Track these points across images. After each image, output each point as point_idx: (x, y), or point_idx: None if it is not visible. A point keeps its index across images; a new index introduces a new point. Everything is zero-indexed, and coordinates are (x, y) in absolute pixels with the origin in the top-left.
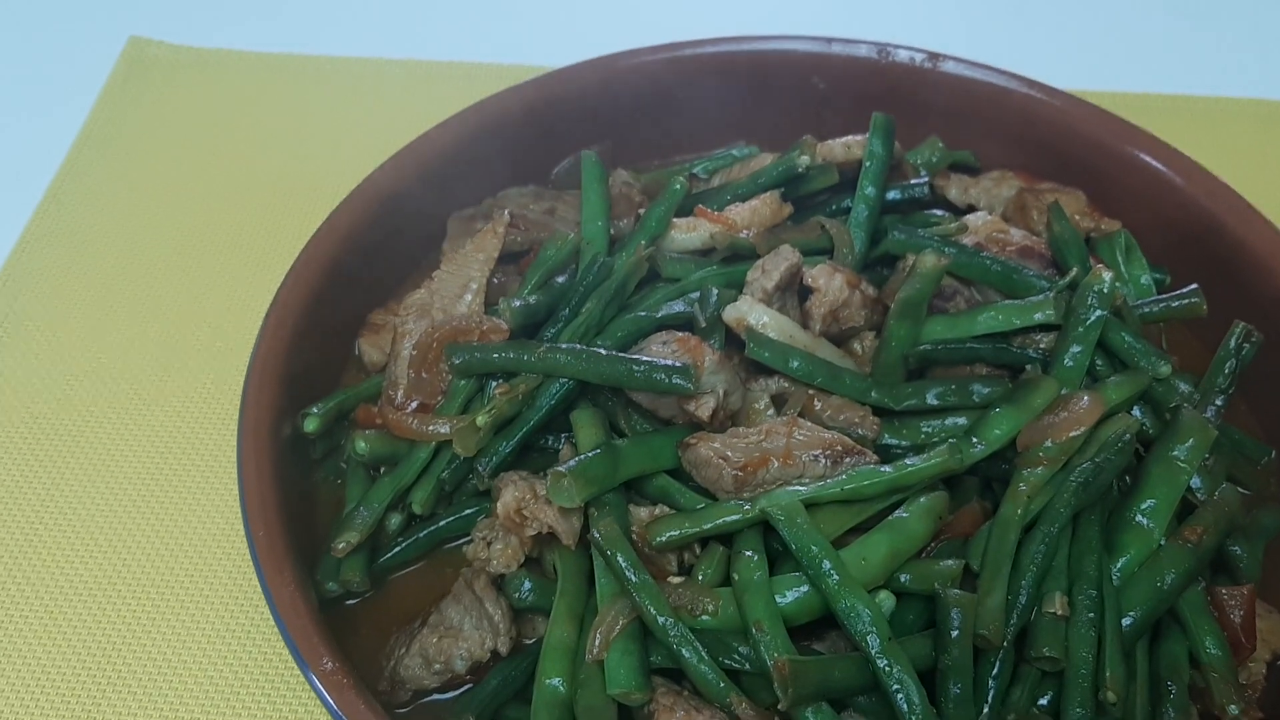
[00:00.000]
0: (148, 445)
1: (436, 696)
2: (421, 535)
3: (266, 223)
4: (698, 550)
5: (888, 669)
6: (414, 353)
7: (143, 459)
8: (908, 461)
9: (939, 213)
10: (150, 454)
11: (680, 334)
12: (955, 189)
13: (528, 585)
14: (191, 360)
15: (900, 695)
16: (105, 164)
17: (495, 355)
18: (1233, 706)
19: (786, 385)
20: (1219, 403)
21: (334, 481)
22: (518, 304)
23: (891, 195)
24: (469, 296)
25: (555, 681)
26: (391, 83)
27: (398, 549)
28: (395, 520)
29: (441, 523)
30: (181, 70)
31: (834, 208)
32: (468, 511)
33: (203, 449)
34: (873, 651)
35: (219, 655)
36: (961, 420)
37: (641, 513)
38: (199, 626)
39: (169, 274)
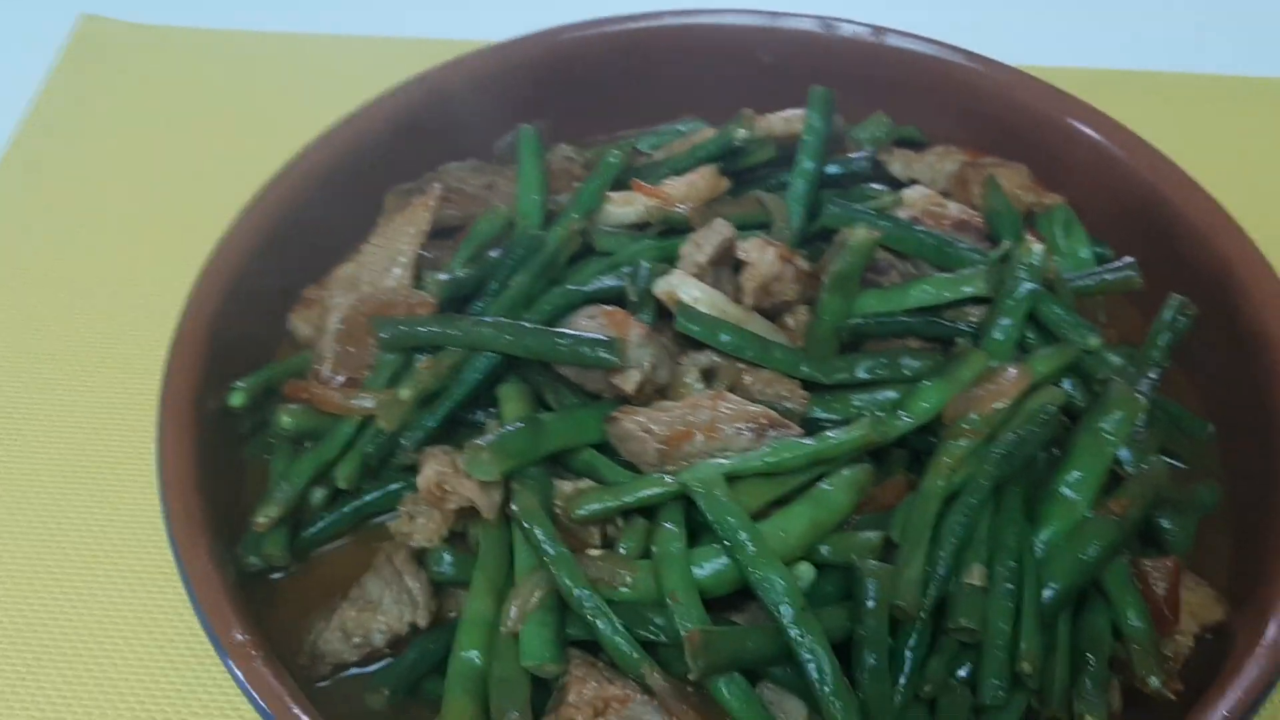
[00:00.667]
0: (84, 423)
1: (356, 670)
2: (346, 510)
3: (216, 201)
4: (621, 524)
5: (800, 639)
6: (341, 327)
7: (78, 436)
8: (830, 434)
9: (878, 187)
10: (86, 431)
11: (607, 308)
12: (899, 164)
13: (448, 559)
14: (130, 339)
15: (812, 665)
16: (53, 144)
17: (421, 329)
18: (1153, 678)
19: (717, 359)
20: (1153, 375)
21: (263, 457)
22: (443, 278)
23: (831, 170)
24: (398, 270)
25: (471, 654)
26: (343, 58)
27: (322, 524)
28: (319, 495)
29: (366, 498)
30: (133, 48)
31: (773, 182)
32: (394, 487)
33: (140, 428)
34: (785, 621)
35: (147, 632)
36: (892, 394)
37: (566, 486)
38: (127, 602)
39: (115, 253)
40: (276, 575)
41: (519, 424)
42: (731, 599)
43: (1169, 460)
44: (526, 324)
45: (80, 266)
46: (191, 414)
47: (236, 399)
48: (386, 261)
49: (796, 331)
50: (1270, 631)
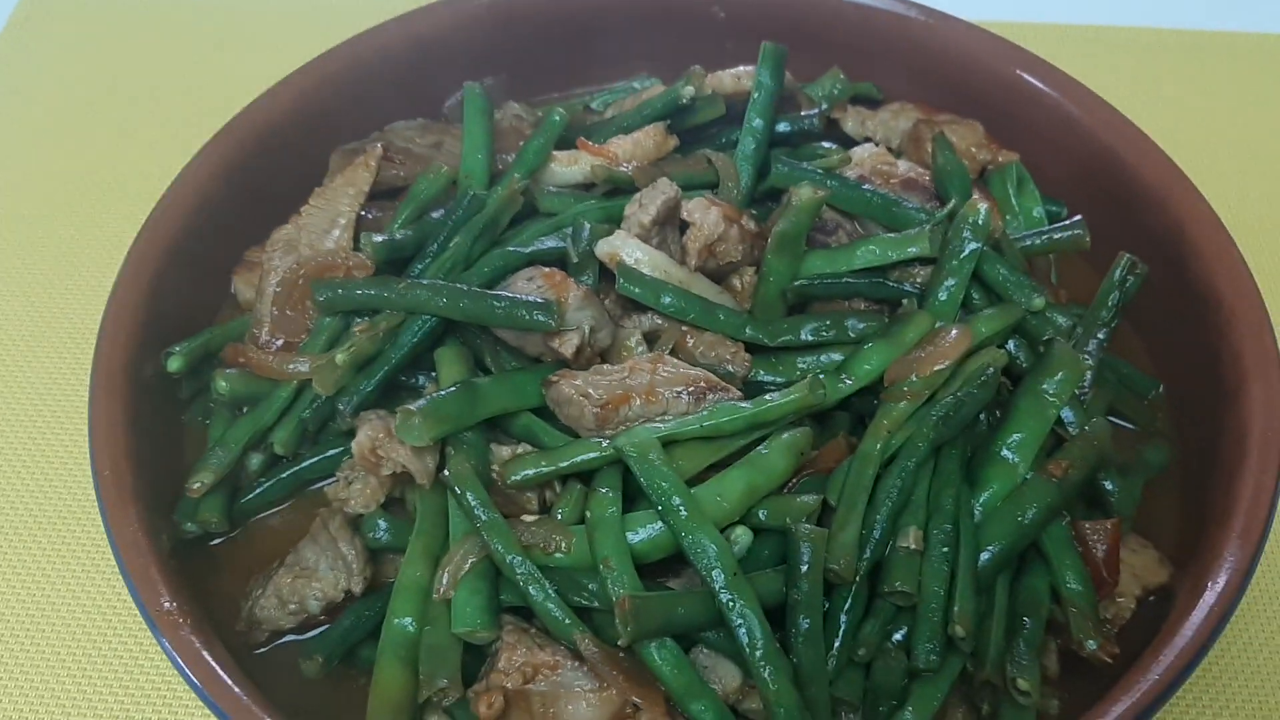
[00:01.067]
0: (26, 389)
1: (294, 637)
2: (284, 476)
3: (163, 165)
4: (559, 489)
5: (731, 603)
6: (279, 290)
7: (20, 402)
8: (768, 398)
9: (828, 145)
10: (30, 395)
11: (546, 269)
12: (852, 121)
13: (383, 525)
14: (73, 305)
15: (743, 629)
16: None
17: (358, 292)
18: (1090, 642)
19: (660, 322)
20: (1101, 336)
21: (202, 422)
22: (380, 239)
23: (781, 127)
24: (337, 232)
25: (405, 621)
26: (294, 15)
27: (260, 490)
28: (256, 461)
29: (304, 463)
30: (82, 8)
31: (723, 141)
32: (332, 452)
33: (81, 393)
34: (717, 586)
35: (91, 603)
36: (837, 356)
37: (504, 451)
38: (71, 570)
39: (62, 216)
40: (216, 542)
41: (453, 388)
42: (669, 564)
43: (1118, 421)
44: (462, 286)
45: (20, 229)
46: (124, 380)
47: (173, 364)
48: (326, 223)
49: (744, 293)
50: (1208, 595)
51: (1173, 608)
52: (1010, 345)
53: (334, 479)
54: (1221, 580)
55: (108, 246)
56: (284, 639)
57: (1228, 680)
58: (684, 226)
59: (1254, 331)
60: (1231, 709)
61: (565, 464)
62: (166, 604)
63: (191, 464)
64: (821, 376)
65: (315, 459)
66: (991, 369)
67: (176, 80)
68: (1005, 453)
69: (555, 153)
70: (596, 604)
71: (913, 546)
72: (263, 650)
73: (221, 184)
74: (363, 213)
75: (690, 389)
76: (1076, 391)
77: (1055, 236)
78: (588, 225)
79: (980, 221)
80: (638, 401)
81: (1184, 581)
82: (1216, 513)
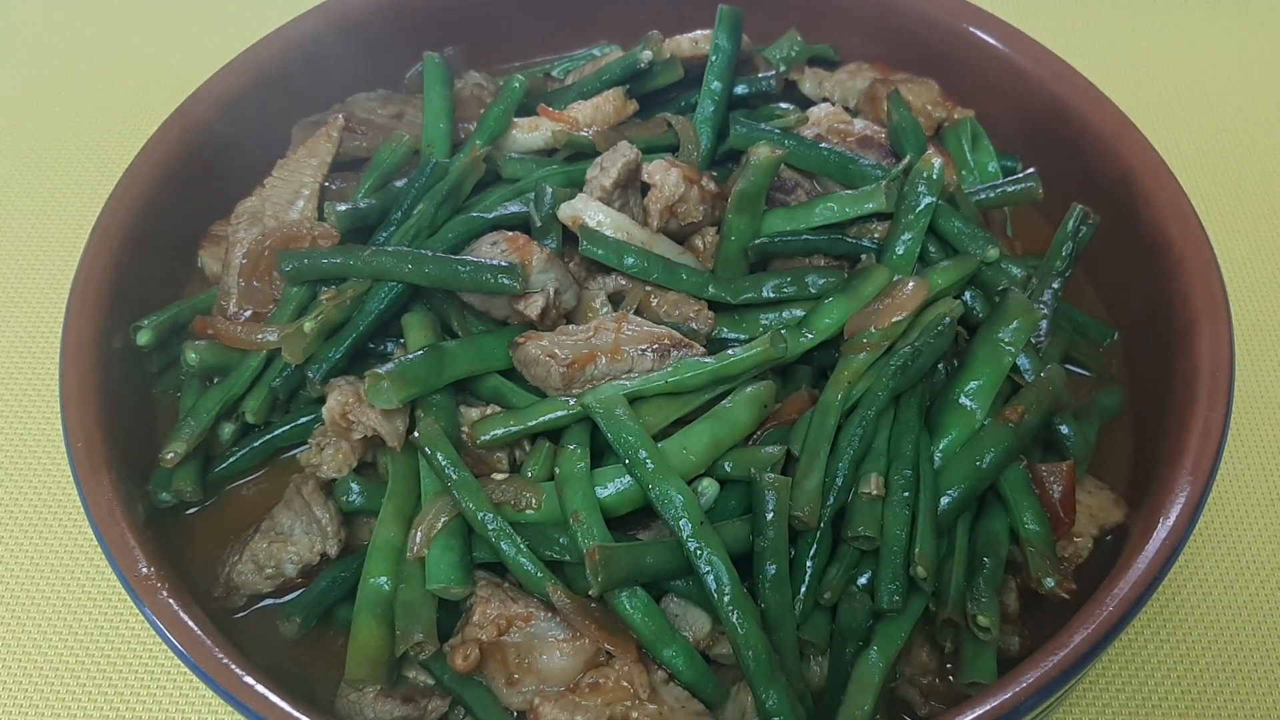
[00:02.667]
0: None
1: (271, 600)
2: (256, 444)
3: (125, 140)
4: (527, 447)
5: (698, 552)
6: (245, 261)
7: None
8: (730, 352)
9: (785, 106)
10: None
11: (510, 234)
12: (810, 83)
13: (356, 489)
14: (44, 278)
15: (710, 576)
16: None
17: (324, 261)
18: (1048, 580)
19: (624, 283)
20: (1055, 285)
21: (174, 394)
22: (343, 208)
23: (740, 90)
24: (301, 203)
25: (381, 580)
26: None
27: (233, 458)
28: (228, 430)
29: (276, 431)
30: None
31: (682, 104)
32: (304, 419)
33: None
34: (684, 535)
35: (69, 574)
36: (798, 311)
37: (473, 413)
38: (48, 544)
39: (24, 194)
40: (191, 511)
41: (420, 352)
42: (639, 518)
43: (1074, 368)
44: (427, 252)
45: None
46: (93, 353)
47: (142, 337)
48: (290, 194)
49: (706, 253)
50: (1160, 529)
51: (1127, 542)
52: (967, 296)
53: (306, 445)
54: (1174, 513)
55: (73, 223)
56: (262, 603)
57: (1185, 615)
58: (645, 189)
59: (1202, 274)
60: (1189, 641)
61: (533, 423)
62: (144, 569)
63: (164, 435)
64: (783, 331)
65: (287, 426)
66: (948, 319)
67: (137, 53)
68: (963, 400)
69: (516, 119)
70: (567, 557)
71: (874, 492)
72: (241, 614)
73: (184, 157)
74: (326, 183)
75: (654, 346)
76: (1031, 339)
77: (1009, 189)
78: (550, 189)
79: (934, 176)
80: (603, 360)
81: (1138, 518)
82: (1168, 450)
